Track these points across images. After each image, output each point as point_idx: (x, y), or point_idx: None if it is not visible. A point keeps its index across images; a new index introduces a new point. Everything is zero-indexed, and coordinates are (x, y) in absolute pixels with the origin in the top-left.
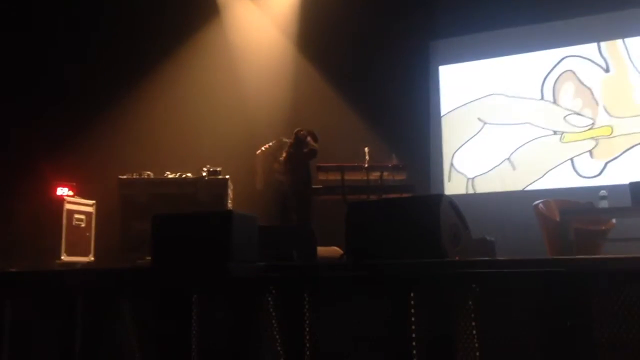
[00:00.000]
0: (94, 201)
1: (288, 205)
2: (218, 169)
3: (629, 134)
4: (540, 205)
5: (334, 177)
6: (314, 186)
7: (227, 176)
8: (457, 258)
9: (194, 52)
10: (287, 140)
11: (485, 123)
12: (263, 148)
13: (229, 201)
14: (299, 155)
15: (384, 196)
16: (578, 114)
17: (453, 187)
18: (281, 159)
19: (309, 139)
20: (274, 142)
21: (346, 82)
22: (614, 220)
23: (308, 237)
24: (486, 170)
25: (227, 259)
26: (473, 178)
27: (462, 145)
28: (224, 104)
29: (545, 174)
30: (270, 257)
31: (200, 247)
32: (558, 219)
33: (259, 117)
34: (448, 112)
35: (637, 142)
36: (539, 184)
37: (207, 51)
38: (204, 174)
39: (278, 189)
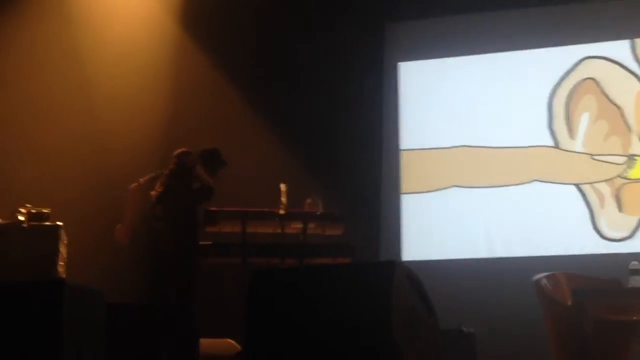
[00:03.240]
0: None
1: (163, 270)
2: (45, 210)
3: None
4: (544, 281)
5: (232, 228)
6: (200, 242)
7: (59, 223)
8: None
9: (12, 22)
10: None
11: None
12: (141, 180)
13: (60, 263)
14: (182, 192)
15: (306, 261)
16: (602, 155)
17: (414, 250)
18: (152, 192)
19: (198, 168)
20: (158, 171)
21: (256, 82)
22: None
23: (187, 323)
24: (465, 226)
25: (56, 353)
26: (445, 237)
27: (429, 191)
28: (59, 109)
29: (551, 234)
30: (126, 353)
31: (11, 334)
32: (569, 303)
33: (116, 132)
34: (411, 149)
35: None
36: (541, 248)
37: (35, 23)
38: (21, 218)
39: (153, 244)
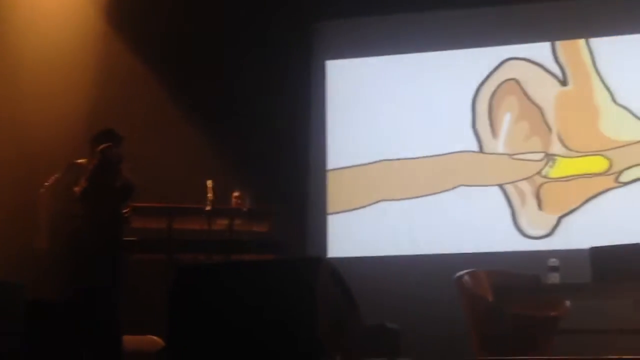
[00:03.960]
0: None
1: (86, 268)
2: None
3: (592, 176)
4: (466, 278)
5: (157, 224)
6: (126, 238)
7: None
8: (338, 358)
9: None
10: (82, 162)
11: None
12: (47, 184)
13: None
14: (105, 187)
15: (233, 257)
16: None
17: (340, 246)
18: (76, 189)
19: (123, 167)
20: (63, 170)
21: (183, 79)
22: (568, 303)
23: (111, 320)
24: (389, 227)
25: None
26: (369, 236)
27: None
28: None
29: (474, 232)
30: (47, 350)
31: None
32: (490, 299)
33: (37, 127)
34: (335, 169)
35: (602, 190)
36: (464, 245)
37: None
38: None
39: (75, 241)
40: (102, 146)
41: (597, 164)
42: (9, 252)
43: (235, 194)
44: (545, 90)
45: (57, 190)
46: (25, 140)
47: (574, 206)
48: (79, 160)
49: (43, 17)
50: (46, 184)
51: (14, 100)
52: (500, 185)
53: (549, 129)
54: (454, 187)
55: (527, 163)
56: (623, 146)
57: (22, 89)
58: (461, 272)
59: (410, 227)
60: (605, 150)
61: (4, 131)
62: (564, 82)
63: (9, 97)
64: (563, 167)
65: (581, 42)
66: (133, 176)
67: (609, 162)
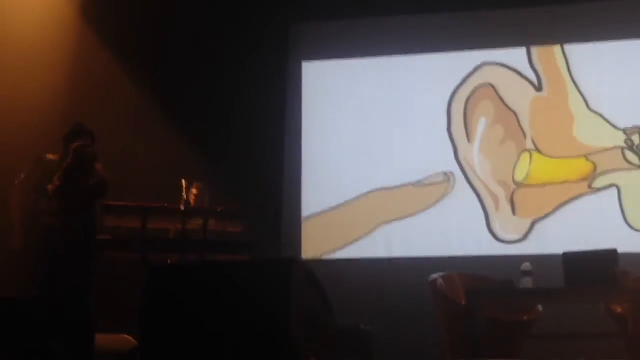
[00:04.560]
0: None
1: (59, 266)
2: None
3: (566, 182)
4: (440, 281)
5: (131, 223)
6: (99, 237)
7: None
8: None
9: None
10: (51, 157)
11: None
12: (18, 181)
13: None
14: (79, 185)
15: (207, 257)
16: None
17: (315, 247)
18: (50, 187)
19: (98, 165)
20: (32, 165)
21: (158, 76)
22: (540, 307)
23: (82, 318)
24: (364, 226)
25: None
26: (345, 238)
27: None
28: None
29: (449, 236)
30: (18, 348)
31: None
32: (463, 303)
33: (10, 121)
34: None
35: (576, 195)
36: (439, 248)
37: None
38: None
39: (47, 240)
40: (76, 145)
41: (572, 169)
42: None
43: (194, 190)
44: (520, 96)
45: (27, 187)
46: None
47: (547, 211)
48: (48, 155)
49: (18, 15)
50: (16, 182)
51: None
52: (475, 190)
53: (524, 134)
54: (432, 206)
55: (500, 167)
56: (596, 152)
57: None
58: (435, 276)
59: (386, 233)
60: (579, 156)
61: None
62: (539, 88)
63: None
64: (537, 169)
65: (556, 48)
66: (108, 174)
67: (583, 168)
